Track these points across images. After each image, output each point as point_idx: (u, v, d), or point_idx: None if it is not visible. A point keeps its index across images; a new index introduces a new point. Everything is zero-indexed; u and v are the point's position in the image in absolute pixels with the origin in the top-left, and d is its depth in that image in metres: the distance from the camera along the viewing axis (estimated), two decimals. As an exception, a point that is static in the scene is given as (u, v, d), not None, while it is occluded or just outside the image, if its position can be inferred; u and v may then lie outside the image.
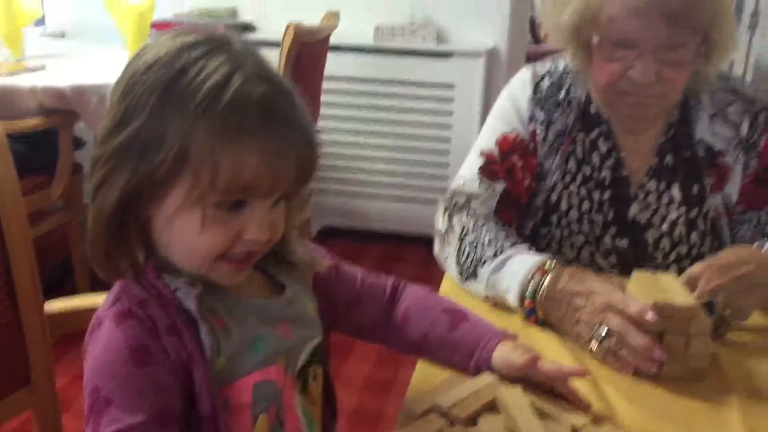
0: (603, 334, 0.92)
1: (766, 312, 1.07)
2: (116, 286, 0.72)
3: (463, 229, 1.14)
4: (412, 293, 0.94)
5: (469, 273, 1.10)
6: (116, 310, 0.69)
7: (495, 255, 1.08)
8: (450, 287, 1.15)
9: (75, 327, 1.04)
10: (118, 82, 0.70)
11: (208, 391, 0.69)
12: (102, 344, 0.68)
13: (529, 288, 1.01)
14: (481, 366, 0.87)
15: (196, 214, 0.67)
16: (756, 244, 1.13)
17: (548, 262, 1.04)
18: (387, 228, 3.22)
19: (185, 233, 0.69)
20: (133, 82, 0.68)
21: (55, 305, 1.08)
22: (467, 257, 1.11)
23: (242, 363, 0.73)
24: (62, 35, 3.37)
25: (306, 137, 0.70)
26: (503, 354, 0.86)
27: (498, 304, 1.08)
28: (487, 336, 0.88)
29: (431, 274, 1.18)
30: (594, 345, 0.94)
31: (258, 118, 0.66)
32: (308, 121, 0.71)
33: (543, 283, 1.01)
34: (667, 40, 1.05)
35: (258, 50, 0.72)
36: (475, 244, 1.11)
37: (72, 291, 2.08)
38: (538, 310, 1.02)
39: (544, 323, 1.02)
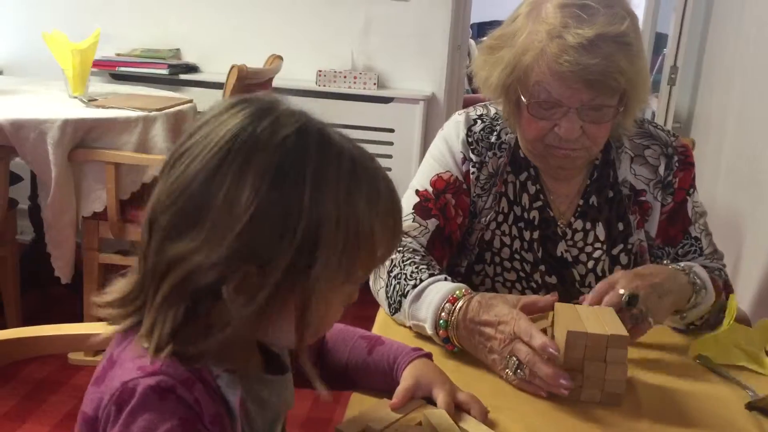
0: (516, 364, 0.97)
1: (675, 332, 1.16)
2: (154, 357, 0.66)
3: (391, 263, 1.17)
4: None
5: (396, 306, 1.14)
6: (159, 381, 0.63)
7: (414, 286, 1.12)
8: (384, 320, 1.18)
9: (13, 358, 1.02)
10: (232, 165, 0.64)
11: None
12: (152, 415, 0.62)
13: (442, 318, 1.06)
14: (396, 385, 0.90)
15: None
16: (664, 261, 1.23)
17: (458, 290, 1.08)
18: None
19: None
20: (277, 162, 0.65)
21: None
22: (393, 290, 1.15)
23: None
24: (0, 72, 3.33)
25: None
26: (412, 374, 0.89)
27: (425, 336, 1.11)
28: (401, 356, 0.92)
29: (373, 313, 1.21)
30: (509, 373, 0.99)
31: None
32: None
33: (453, 312, 1.05)
34: (589, 102, 1.13)
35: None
36: (399, 277, 1.15)
37: (1, 326, 2.02)
38: (452, 339, 1.06)
39: (460, 351, 1.06)
